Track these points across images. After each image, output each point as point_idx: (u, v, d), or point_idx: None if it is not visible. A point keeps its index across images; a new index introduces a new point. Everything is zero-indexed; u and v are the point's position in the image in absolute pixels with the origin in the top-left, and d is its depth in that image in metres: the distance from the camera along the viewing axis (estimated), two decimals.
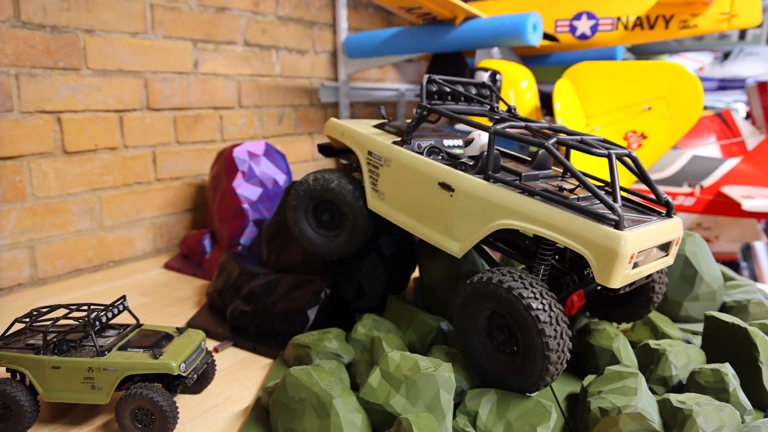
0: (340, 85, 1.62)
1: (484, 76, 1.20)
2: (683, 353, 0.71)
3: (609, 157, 0.61)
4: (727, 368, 0.66)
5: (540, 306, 0.59)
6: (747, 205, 1.30)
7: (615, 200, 0.60)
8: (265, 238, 1.01)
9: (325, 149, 0.91)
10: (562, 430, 0.63)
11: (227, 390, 0.74)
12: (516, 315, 0.60)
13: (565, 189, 0.69)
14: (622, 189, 0.72)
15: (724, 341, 0.72)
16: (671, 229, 0.66)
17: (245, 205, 1.12)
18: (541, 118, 1.30)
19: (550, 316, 0.59)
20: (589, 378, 0.67)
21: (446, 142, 0.83)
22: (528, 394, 0.64)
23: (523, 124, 0.70)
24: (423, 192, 0.73)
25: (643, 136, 1.25)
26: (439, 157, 0.77)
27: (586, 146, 0.64)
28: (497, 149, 0.68)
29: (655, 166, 1.50)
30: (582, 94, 1.26)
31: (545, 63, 1.64)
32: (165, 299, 1.03)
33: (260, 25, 1.43)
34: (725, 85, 2.44)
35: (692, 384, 0.67)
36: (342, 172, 0.84)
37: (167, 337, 0.67)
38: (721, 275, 0.93)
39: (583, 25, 1.44)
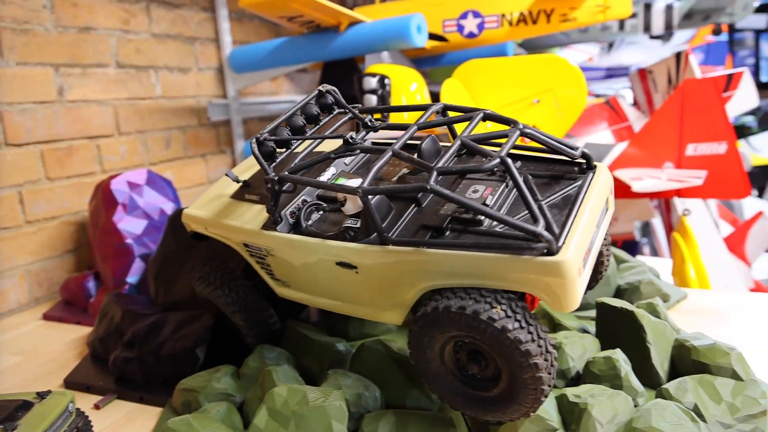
0: (229, 101, 1.56)
1: (373, 82, 1.18)
2: (579, 344, 0.71)
3: (504, 164, 0.52)
4: (618, 354, 0.67)
5: (516, 325, 0.50)
6: (636, 186, 1.35)
7: (535, 218, 0.50)
8: (151, 273, 0.95)
9: (198, 234, 0.77)
10: None
11: None
12: (490, 340, 0.51)
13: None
14: (532, 150, 0.64)
15: (616, 326, 0.73)
16: (600, 185, 0.59)
17: (128, 240, 1.04)
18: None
19: (530, 333, 0.50)
20: None
21: (325, 176, 0.69)
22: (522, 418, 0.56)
23: (388, 153, 0.57)
24: (325, 274, 0.62)
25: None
26: (320, 214, 0.66)
27: (471, 167, 0.55)
28: (386, 190, 0.56)
29: None
30: (472, 91, 1.26)
31: (439, 64, 1.65)
32: (41, 355, 0.93)
33: (133, 44, 1.35)
34: (612, 73, 2.56)
35: (588, 374, 0.67)
36: (230, 275, 0.75)
37: (24, 407, 0.60)
38: (613, 259, 0.95)
39: (470, 24, 1.45)
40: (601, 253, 0.69)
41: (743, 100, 1.79)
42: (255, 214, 0.68)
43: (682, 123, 1.45)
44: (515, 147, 0.62)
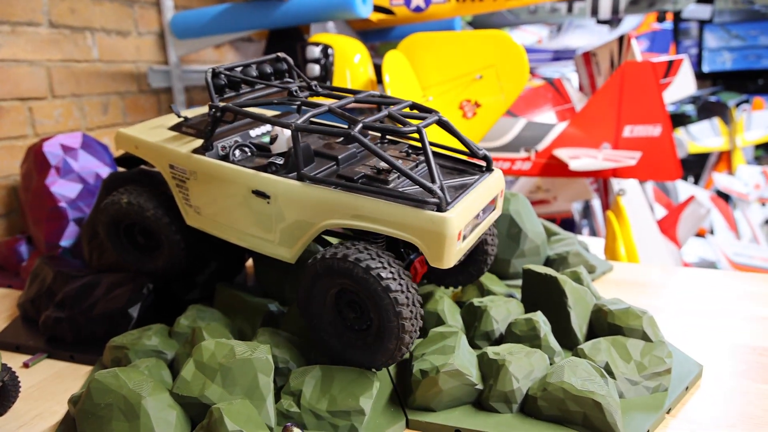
0: (171, 68, 1.53)
1: (316, 51, 1.17)
2: (503, 307, 0.74)
3: (419, 131, 0.59)
4: (538, 316, 0.70)
5: (389, 275, 0.57)
6: (574, 165, 1.40)
7: (433, 180, 0.58)
8: (85, 237, 0.93)
9: (124, 161, 0.83)
10: (390, 397, 0.64)
11: (38, 407, 0.67)
12: (365, 287, 0.58)
13: (384, 170, 0.64)
14: (444, 149, 0.72)
15: (539, 291, 0.77)
16: (493, 184, 0.67)
17: (62, 204, 1.02)
18: (377, 90, 1.31)
19: (401, 284, 0.58)
20: (416, 342, 0.68)
21: (254, 133, 0.77)
22: (382, 368, 0.63)
23: (324, 107, 0.65)
24: (239, 202, 0.68)
25: (477, 105, 1.30)
26: (248, 155, 0.72)
27: (391, 127, 0.61)
28: (317, 129, 0.62)
29: (493, 133, 1.56)
30: (416, 65, 1.27)
31: (388, 38, 1.65)
32: None
33: (67, 3, 1.29)
34: (559, 56, 2.61)
35: (509, 335, 0.70)
36: (149, 193, 0.77)
37: None
38: (544, 231, 0.99)
39: None
40: (486, 242, 0.77)
41: (681, 86, 1.85)
42: (187, 142, 0.74)
43: (621, 105, 1.50)
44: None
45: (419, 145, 0.69)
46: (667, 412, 0.62)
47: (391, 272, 0.57)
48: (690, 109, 3.09)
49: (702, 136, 2.78)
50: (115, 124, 1.43)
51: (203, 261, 0.86)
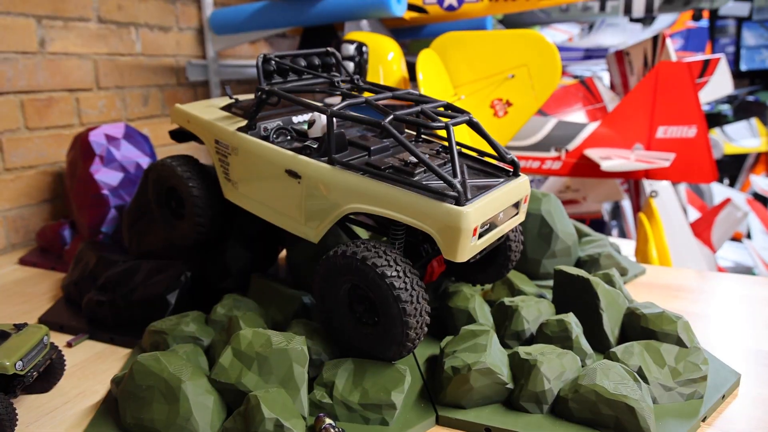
0: (208, 62, 1.56)
1: (350, 49, 1.19)
2: (534, 307, 0.75)
3: (447, 128, 0.61)
4: (570, 318, 0.70)
5: (394, 273, 0.59)
6: (605, 165, 1.39)
7: (455, 174, 0.60)
8: (125, 223, 0.96)
9: (177, 134, 0.88)
10: (421, 393, 0.65)
11: (80, 385, 0.70)
12: (371, 284, 0.60)
13: (411, 163, 0.66)
14: (473, 151, 0.73)
15: (571, 293, 0.77)
16: (517, 189, 0.68)
17: (105, 191, 1.05)
18: (409, 88, 1.31)
19: (405, 282, 0.60)
20: (447, 339, 0.68)
21: (296, 119, 0.80)
22: (393, 361, 0.65)
23: (362, 99, 0.68)
24: (272, 180, 0.71)
25: (509, 104, 1.30)
26: (288, 138, 0.75)
27: (422, 120, 0.63)
28: (351, 116, 0.64)
29: (524, 132, 1.56)
30: (448, 64, 1.28)
31: (418, 36, 1.65)
32: (17, 296, 0.95)
33: (115, 0, 1.34)
34: (590, 54, 2.58)
35: (540, 335, 0.71)
36: (187, 159, 0.82)
37: (2, 336, 0.62)
38: (575, 232, 0.98)
39: None
40: (509, 247, 0.78)
41: (718, 86, 1.82)
42: (234, 122, 0.78)
43: (654, 105, 1.48)
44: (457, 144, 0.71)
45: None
46: (703, 420, 0.61)
47: (387, 260, 0.60)
48: (726, 108, 3.02)
49: (739, 137, 2.72)
50: (153, 115, 1.47)
51: (223, 234, 0.89)
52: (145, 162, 1.11)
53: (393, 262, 0.60)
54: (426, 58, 1.17)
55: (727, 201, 1.77)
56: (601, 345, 0.72)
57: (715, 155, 2.25)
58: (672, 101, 1.45)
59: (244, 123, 0.77)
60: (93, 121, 1.31)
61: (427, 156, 0.70)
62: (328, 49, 0.84)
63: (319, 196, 0.67)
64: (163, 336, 0.71)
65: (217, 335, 0.71)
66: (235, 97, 0.84)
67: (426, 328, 0.63)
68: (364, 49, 1.18)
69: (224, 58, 1.66)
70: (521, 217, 0.72)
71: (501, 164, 0.72)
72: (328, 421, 0.58)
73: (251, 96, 0.89)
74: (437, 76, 1.23)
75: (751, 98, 2.91)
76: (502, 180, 0.67)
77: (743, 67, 3.50)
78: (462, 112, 0.69)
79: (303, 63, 0.81)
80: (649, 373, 0.63)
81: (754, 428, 0.60)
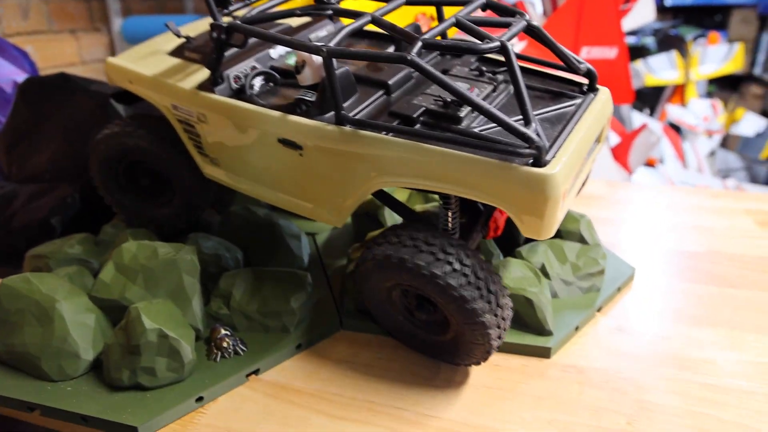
0: None
1: None
2: None
3: (504, 49, 0.43)
4: None
5: (462, 282, 0.45)
6: None
7: (526, 120, 0.43)
8: (2, 147, 0.87)
9: (122, 96, 0.67)
10: (326, 301, 0.63)
11: None
12: (435, 294, 0.47)
13: (452, 102, 0.48)
14: (531, 62, 0.56)
15: None
16: (600, 110, 0.51)
17: None
18: None
19: (478, 288, 0.46)
20: (354, 246, 0.67)
21: (275, 53, 0.59)
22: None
23: (367, 17, 0.48)
24: (263, 153, 0.53)
25: (433, 19, 1.25)
26: (270, 86, 0.55)
27: (463, 44, 0.45)
28: (357, 53, 0.46)
29: None
30: None
31: None
32: None
33: None
34: None
35: None
36: (152, 121, 0.62)
37: None
38: None
39: None
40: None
41: (640, 14, 1.83)
42: (191, 73, 0.57)
43: (579, 26, 1.48)
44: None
45: (494, 57, 0.56)
46: (598, 310, 0.63)
47: (448, 261, 0.45)
48: (651, 42, 3.08)
49: (659, 69, 2.79)
50: (38, 31, 1.31)
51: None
52: (22, 79, 1.00)
53: (459, 263, 0.45)
54: None
55: (643, 126, 1.82)
56: (509, 245, 0.72)
57: (636, 85, 2.29)
58: (596, 22, 1.45)
59: (203, 75, 0.56)
60: None
61: (470, 88, 0.50)
62: None
63: (331, 171, 0.50)
64: (45, 260, 0.65)
65: (106, 255, 0.65)
66: (184, 35, 0.61)
67: (511, 312, 0.50)
68: None
69: None
70: (603, 144, 0.55)
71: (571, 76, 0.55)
72: (223, 331, 0.55)
73: (205, 28, 0.67)
74: None
75: (672, 32, 2.97)
76: (578, 102, 0.51)
77: (668, 2, 3.56)
78: (511, 12, 0.50)
79: None
80: (551, 269, 0.64)
81: (644, 317, 0.63)
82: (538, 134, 0.42)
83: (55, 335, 0.52)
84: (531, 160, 0.42)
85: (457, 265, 0.45)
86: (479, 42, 0.43)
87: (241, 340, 0.56)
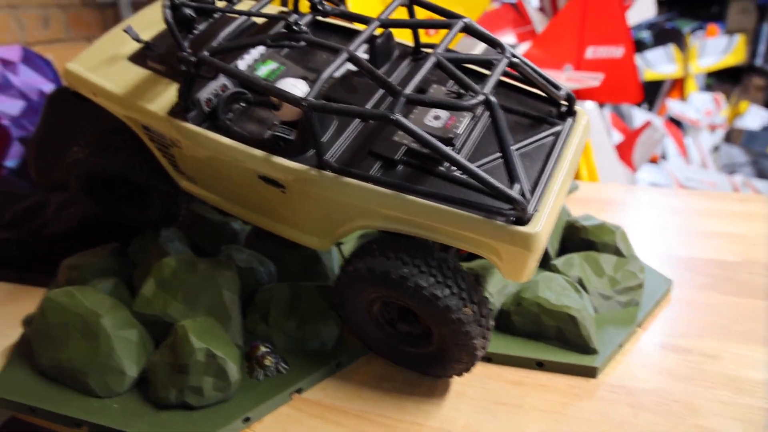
0: None
1: None
2: None
3: (489, 106, 0.44)
4: None
5: (446, 292, 0.46)
6: None
7: (512, 177, 0.43)
8: (31, 156, 0.87)
9: (82, 96, 0.63)
10: None
11: None
12: (422, 308, 0.47)
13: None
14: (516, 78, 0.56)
15: None
16: (580, 140, 0.51)
17: (4, 122, 0.94)
18: None
19: (462, 299, 0.47)
20: None
21: (244, 64, 0.54)
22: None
23: (344, 55, 0.47)
24: (245, 185, 0.52)
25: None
26: (245, 106, 0.53)
27: (444, 100, 0.46)
28: (339, 109, 0.46)
29: None
30: None
31: None
32: None
33: None
34: None
35: None
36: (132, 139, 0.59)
37: None
38: None
39: None
40: None
41: (642, 10, 1.83)
42: (160, 91, 0.55)
43: (584, 26, 1.47)
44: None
45: (474, 69, 0.55)
46: (639, 326, 0.62)
47: (432, 275, 0.46)
48: (646, 36, 3.07)
49: (657, 63, 2.78)
50: (57, 39, 1.32)
51: None
52: (48, 89, 1.00)
53: (441, 275, 0.46)
54: None
55: (647, 124, 1.83)
56: (542, 259, 0.72)
57: None
58: (601, 21, 1.45)
59: (172, 89, 0.53)
60: None
61: (450, 116, 0.49)
62: None
63: (314, 209, 0.50)
64: (79, 271, 0.65)
65: (139, 267, 0.65)
66: (143, 40, 0.57)
67: (492, 324, 0.51)
68: None
69: None
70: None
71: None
72: (263, 348, 0.56)
73: (157, 18, 0.60)
74: None
75: (669, 25, 2.97)
76: (557, 131, 0.51)
77: None
78: (491, 39, 0.50)
79: None
80: (589, 283, 0.63)
81: (688, 333, 0.61)
82: (522, 193, 0.43)
83: (100, 350, 0.52)
84: (513, 219, 0.43)
85: (440, 277, 0.46)
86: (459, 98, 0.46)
87: (282, 357, 0.56)
